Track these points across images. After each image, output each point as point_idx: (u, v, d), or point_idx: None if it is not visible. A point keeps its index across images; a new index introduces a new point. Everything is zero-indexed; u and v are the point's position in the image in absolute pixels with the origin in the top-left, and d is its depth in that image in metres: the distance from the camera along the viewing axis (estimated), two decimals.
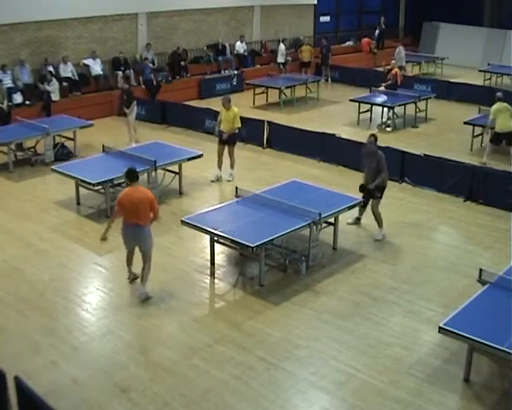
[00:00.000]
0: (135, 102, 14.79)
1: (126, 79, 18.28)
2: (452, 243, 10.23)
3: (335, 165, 13.52)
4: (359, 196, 9.91)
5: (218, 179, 12.59)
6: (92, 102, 17.12)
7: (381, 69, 20.89)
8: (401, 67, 22.51)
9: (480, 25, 26.41)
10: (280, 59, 22.30)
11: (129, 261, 8.55)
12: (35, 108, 15.82)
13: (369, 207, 10.09)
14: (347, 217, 10.26)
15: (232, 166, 12.71)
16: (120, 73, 18.23)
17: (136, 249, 8.32)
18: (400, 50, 22.74)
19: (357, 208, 10.05)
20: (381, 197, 9.92)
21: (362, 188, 9.95)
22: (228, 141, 12.50)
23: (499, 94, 13.87)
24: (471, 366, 6.65)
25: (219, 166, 12.63)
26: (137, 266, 8.43)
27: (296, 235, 9.19)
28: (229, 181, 12.45)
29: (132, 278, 8.63)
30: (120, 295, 8.44)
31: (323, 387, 6.62)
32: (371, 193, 9.88)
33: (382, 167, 9.77)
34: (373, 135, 10.06)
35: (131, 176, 8.08)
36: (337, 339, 7.43)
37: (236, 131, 12.53)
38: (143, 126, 16.46)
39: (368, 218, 10.42)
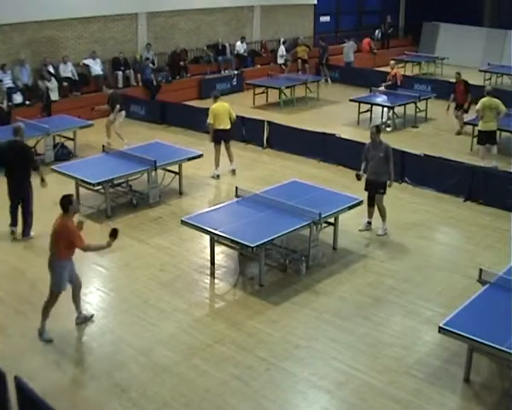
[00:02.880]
0: (118, 107, 14.47)
1: (126, 78, 18.36)
2: (452, 243, 10.23)
3: (335, 165, 13.52)
4: (359, 196, 9.90)
5: (232, 172, 12.97)
6: (92, 102, 17.08)
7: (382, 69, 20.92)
8: (348, 63, 22.75)
9: (480, 25, 26.39)
10: (280, 60, 22.37)
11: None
12: (35, 108, 15.80)
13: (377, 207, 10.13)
14: (357, 224, 10.25)
15: (215, 165, 12.83)
16: (120, 72, 18.26)
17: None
18: (345, 46, 22.96)
19: (356, 211, 9.98)
20: (384, 193, 9.98)
21: (358, 177, 10.09)
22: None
23: (488, 88, 13.76)
24: (471, 366, 6.65)
25: (230, 161, 13.02)
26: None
27: (296, 235, 9.19)
28: (212, 177, 12.71)
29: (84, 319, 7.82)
30: (120, 295, 8.44)
31: (323, 387, 6.62)
32: (376, 189, 9.95)
33: (390, 156, 9.86)
34: (374, 126, 10.16)
35: (60, 205, 7.24)
36: (337, 339, 7.43)
37: (211, 128, 12.61)
38: (143, 126, 16.49)
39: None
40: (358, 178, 10.09)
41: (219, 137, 12.59)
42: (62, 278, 7.34)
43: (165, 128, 16.48)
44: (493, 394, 6.56)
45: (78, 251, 7.33)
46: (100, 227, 10.42)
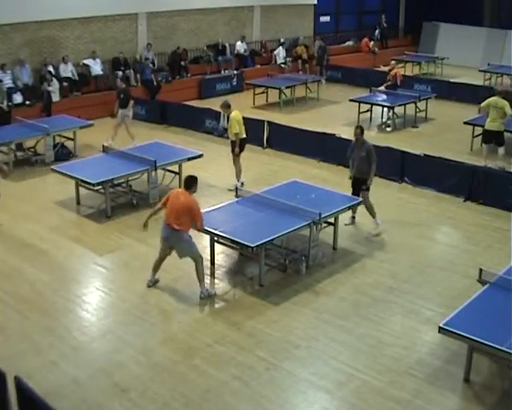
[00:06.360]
0: (132, 102, 14.78)
1: (126, 78, 18.35)
2: (452, 243, 10.23)
3: (335, 165, 13.52)
4: (359, 197, 9.91)
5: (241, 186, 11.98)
6: (92, 102, 17.11)
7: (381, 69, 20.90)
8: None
9: (480, 25, 26.38)
10: (279, 60, 22.46)
11: (155, 265, 8.48)
12: (35, 108, 15.80)
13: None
14: (344, 219, 10.23)
15: (236, 176, 12.08)
16: (120, 72, 18.25)
17: (173, 254, 8.36)
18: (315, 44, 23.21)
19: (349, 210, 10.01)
20: (367, 189, 10.02)
21: (354, 180, 10.18)
22: (232, 149, 12.07)
23: (498, 88, 13.62)
24: (471, 366, 6.64)
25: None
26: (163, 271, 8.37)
27: (296, 235, 9.19)
28: (230, 190, 11.81)
29: (154, 282, 8.55)
30: (120, 295, 8.44)
31: (323, 387, 6.62)
32: (360, 186, 10.03)
33: (373, 157, 9.93)
34: (358, 127, 10.26)
35: (185, 182, 8.27)
36: (337, 339, 7.43)
37: (233, 138, 11.77)
38: (143, 126, 16.48)
39: (367, 218, 10.41)
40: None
41: (243, 146, 12.01)
42: (195, 244, 8.24)
43: (165, 128, 16.48)
44: (493, 394, 6.56)
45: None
46: (99, 227, 10.44)
